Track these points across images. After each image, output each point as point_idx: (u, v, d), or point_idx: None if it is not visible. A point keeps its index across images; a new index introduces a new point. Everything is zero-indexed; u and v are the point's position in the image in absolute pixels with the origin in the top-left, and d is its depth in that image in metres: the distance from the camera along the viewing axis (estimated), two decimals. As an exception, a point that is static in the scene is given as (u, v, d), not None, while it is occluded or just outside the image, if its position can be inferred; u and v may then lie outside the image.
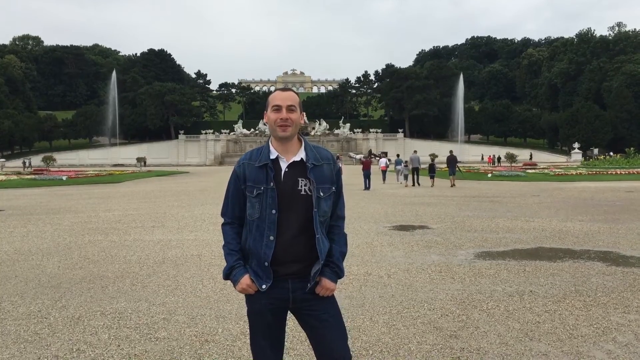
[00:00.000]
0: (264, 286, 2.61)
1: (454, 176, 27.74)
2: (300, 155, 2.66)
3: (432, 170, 28.47)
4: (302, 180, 2.61)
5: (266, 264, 2.59)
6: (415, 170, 28.32)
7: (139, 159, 67.42)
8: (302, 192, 2.60)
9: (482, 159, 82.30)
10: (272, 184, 2.58)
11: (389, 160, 38.93)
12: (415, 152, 31.58)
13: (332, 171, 2.70)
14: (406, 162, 29.56)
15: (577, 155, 74.74)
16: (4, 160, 70.97)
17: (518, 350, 4.36)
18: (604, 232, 10.69)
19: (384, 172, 32.07)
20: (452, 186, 26.49)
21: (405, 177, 28.69)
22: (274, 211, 2.57)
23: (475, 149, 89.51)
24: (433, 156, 33.39)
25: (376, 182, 28.32)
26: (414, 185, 27.60)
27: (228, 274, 2.69)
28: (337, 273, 2.71)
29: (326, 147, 2.83)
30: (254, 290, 2.63)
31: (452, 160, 28.30)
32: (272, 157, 2.64)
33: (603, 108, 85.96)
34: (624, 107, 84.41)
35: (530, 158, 76.02)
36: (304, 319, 2.71)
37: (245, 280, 2.63)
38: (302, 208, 2.60)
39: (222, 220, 2.81)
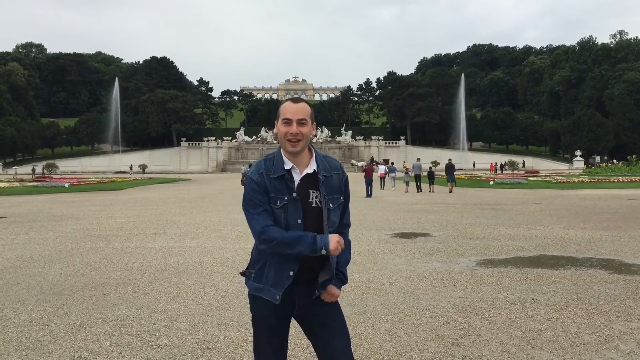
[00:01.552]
0: (277, 297, 2.58)
1: (452, 183, 29.14)
2: (312, 167, 2.65)
3: (431, 177, 30.04)
4: (313, 192, 2.62)
5: (291, 273, 2.58)
6: (418, 178, 29.67)
7: (140, 166, 67.22)
8: (313, 205, 2.61)
9: (474, 166, 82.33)
10: (294, 194, 2.57)
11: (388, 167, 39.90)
12: (418, 159, 33.42)
13: (340, 181, 2.71)
14: (407, 169, 31.07)
15: (579, 163, 74.71)
16: (17, 167, 71.21)
17: (520, 358, 4.35)
18: (606, 239, 10.67)
19: (382, 178, 33.36)
20: (450, 192, 27.62)
21: (407, 184, 29.91)
22: (299, 220, 2.57)
23: (477, 156, 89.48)
24: (435, 163, 33.97)
25: (375, 188, 28.48)
26: (418, 191, 28.57)
27: (313, 243, 2.49)
28: (341, 279, 2.75)
29: (328, 155, 2.83)
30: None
31: (450, 168, 29.68)
32: (287, 167, 2.62)
33: (605, 116, 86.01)
34: (625, 114, 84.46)
35: (523, 165, 75.44)
36: (308, 325, 2.71)
37: (334, 237, 2.53)
38: (312, 219, 2.61)
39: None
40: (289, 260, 2.58)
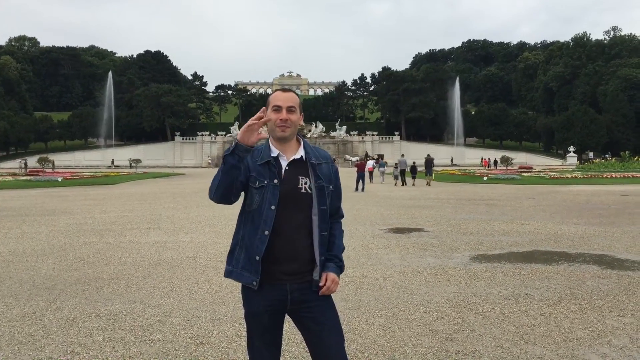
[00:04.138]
0: (254, 282, 2.60)
1: (430, 177, 31.35)
2: (300, 153, 2.68)
3: (413, 172, 32.01)
4: (302, 178, 2.63)
5: (257, 257, 2.58)
6: (402, 172, 31.39)
7: (134, 160, 66.68)
8: (303, 190, 2.61)
9: (452, 162, 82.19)
10: (275, 180, 2.59)
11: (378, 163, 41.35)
12: (402, 155, 36.14)
13: (330, 171, 2.73)
14: (396, 164, 33.08)
15: (572, 159, 74.89)
16: (23, 159, 70.38)
17: (513, 353, 4.36)
18: (599, 235, 10.72)
19: (370, 173, 35.31)
20: (427, 184, 29.83)
21: (396, 178, 31.76)
22: (273, 207, 2.57)
23: (472, 152, 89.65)
24: (429, 158, 34.42)
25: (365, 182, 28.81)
26: (403, 184, 30.51)
27: (227, 149, 2.54)
28: (340, 267, 2.75)
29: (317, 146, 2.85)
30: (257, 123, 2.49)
31: (428, 162, 31.95)
32: (273, 155, 2.65)
33: (598, 112, 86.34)
34: (619, 110, 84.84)
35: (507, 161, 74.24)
36: (301, 321, 2.70)
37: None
38: (301, 206, 2.61)
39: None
40: (254, 243, 2.60)
